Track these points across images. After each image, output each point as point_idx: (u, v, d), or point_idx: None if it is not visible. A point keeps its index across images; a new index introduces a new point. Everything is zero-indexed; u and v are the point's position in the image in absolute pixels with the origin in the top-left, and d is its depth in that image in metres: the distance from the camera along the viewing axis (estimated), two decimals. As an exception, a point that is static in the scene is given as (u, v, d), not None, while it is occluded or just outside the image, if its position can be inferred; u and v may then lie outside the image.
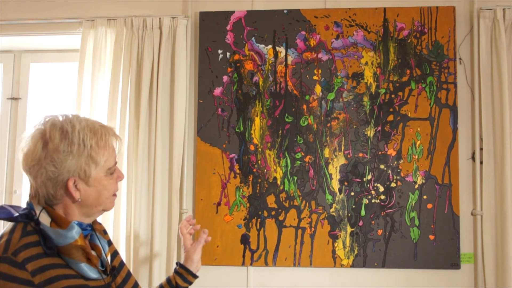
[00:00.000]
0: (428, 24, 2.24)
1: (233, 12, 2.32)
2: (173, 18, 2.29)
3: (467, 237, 2.17)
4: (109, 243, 1.30)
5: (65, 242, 1.08)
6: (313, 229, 2.21)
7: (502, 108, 2.11)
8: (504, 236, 2.06)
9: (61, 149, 1.10)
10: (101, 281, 1.15)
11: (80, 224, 1.14)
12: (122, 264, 1.32)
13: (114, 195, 1.23)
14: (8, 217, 1.09)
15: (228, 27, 2.32)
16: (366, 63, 2.25)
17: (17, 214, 1.10)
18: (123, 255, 2.18)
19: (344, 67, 2.26)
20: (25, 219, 1.10)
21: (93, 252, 1.17)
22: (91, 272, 1.12)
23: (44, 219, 1.10)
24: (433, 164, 2.18)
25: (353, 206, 2.20)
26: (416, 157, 2.19)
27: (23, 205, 1.16)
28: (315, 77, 2.27)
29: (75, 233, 1.09)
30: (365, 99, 2.24)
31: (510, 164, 2.07)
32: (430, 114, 2.21)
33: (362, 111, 2.24)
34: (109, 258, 1.23)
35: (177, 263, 1.53)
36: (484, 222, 2.12)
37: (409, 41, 2.24)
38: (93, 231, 1.21)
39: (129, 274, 1.32)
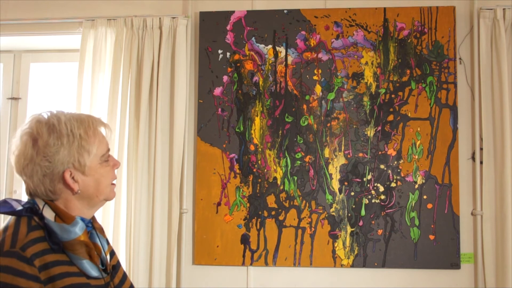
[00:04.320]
0: (428, 24, 2.24)
1: (233, 12, 2.32)
2: (173, 18, 2.29)
3: (467, 237, 2.17)
4: (107, 242, 1.29)
5: (70, 237, 1.08)
6: (313, 229, 2.21)
7: (502, 108, 2.11)
8: (504, 236, 2.06)
9: (51, 143, 1.09)
10: (101, 280, 1.15)
11: (82, 220, 1.13)
12: (118, 264, 1.31)
13: (113, 184, 1.22)
14: (12, 211, 1.09)
15: (228, 27, 2.32)
16: (366, 63, 2.25)
17: (20, 207, 1.09)
18: (123, 254, 2.19)
19: (344, 67, 2.26)
20: (29, 213, 1.09)
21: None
22: (93, 270, 1.12)
23: (48, 213, 1.09)
24: (433, 164, 2.18)
25: (353, 206, 2.20)
26: (416, 157, 2.19)
27: None
28: (315, 77, 2.27)
29: (78, 229, 1.09)
30: (365, 99, 2.24)
31: (510, 164, 2.07)
32: (430, 114, 2.21)
33: (362, 111, 2.24)
34: (108, 257, 1.23)
35: None
36: (484, 222, 2.12)
37: (409, 41, 2.24)
38: (93, 229, 1.20)
39: (125, 275, 1.31)
